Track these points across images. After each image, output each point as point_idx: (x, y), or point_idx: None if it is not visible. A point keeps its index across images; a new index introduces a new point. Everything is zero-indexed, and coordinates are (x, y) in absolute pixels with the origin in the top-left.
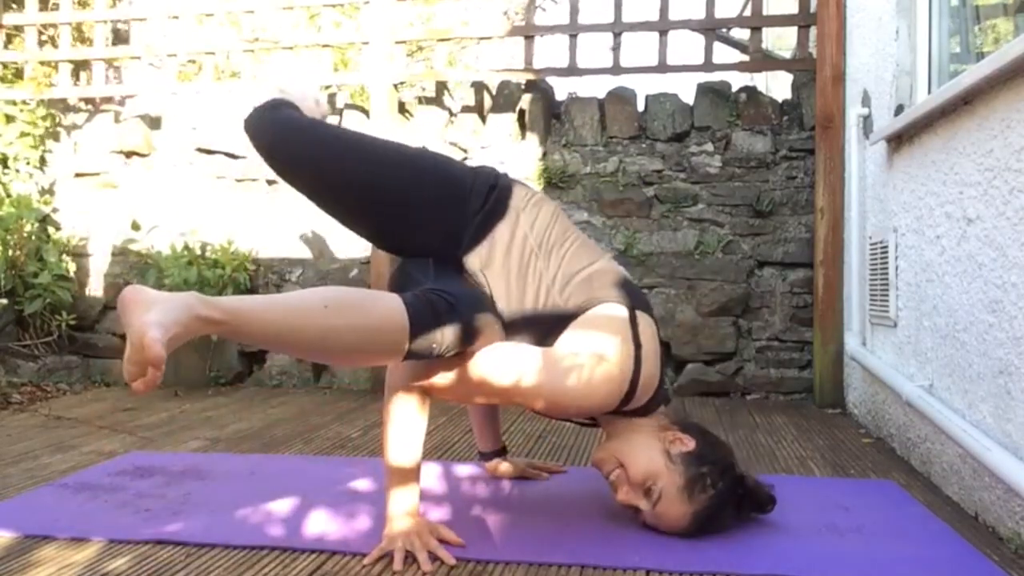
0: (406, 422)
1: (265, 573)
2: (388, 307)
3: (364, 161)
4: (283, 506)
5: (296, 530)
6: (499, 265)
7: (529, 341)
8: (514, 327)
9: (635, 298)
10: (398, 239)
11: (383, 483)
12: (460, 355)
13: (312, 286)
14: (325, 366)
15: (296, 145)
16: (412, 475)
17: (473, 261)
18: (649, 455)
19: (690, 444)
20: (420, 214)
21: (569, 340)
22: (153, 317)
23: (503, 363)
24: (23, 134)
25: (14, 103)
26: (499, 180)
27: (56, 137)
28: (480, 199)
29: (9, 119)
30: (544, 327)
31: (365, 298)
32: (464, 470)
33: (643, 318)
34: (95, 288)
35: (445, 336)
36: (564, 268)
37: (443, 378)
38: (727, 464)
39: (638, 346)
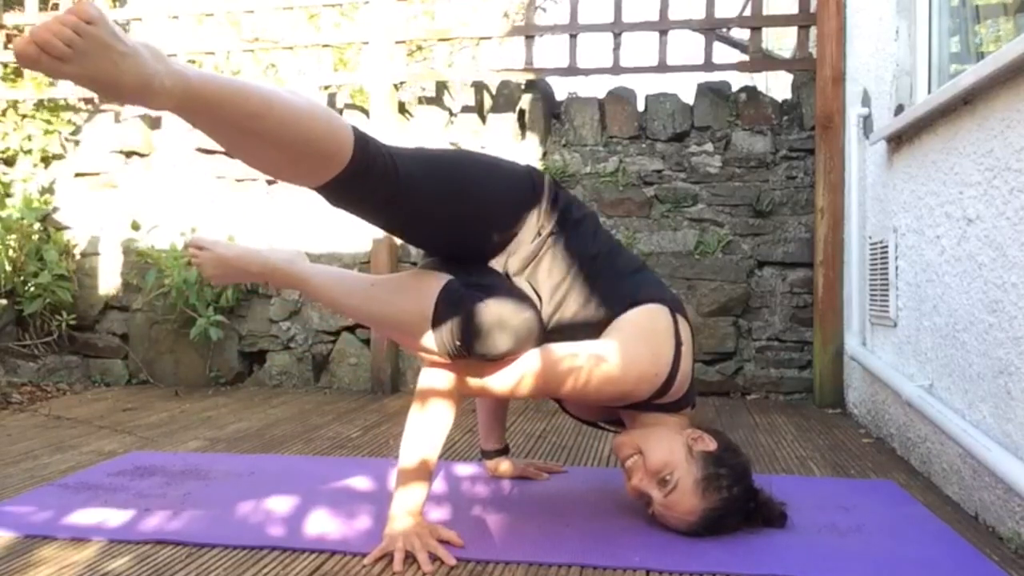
0: (430, 425)
1: (265, 573)
2: (426, 286)
3: (439, 179)
4: (283, 506)
5: (296, 530)
6: (545, 268)
7: (576, 339)
8: (562, 327)
9: (675, 302)
10: (445, 244)
11: (385, 482)
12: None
13: None
14: (325, 367)
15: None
16: (422, 477)
17: (517, 264)
18: (670, 446)
19: (712, 445)
20: (487, 215)
21: (613, 331)
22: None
23: (546, 365)
24: (47, 132)
25: (16, 102)
26: (557, 191)
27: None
28: (543, 211)
29: (26, 116)
30: (592, 327)
31: (412, 276)
32: (464, 470)
33: (682, 321)
34: (95, 288)
35: (453, 330)
36: (612, 271)
37: (484, 382)
38: (744, 472)
39: (679, 343)
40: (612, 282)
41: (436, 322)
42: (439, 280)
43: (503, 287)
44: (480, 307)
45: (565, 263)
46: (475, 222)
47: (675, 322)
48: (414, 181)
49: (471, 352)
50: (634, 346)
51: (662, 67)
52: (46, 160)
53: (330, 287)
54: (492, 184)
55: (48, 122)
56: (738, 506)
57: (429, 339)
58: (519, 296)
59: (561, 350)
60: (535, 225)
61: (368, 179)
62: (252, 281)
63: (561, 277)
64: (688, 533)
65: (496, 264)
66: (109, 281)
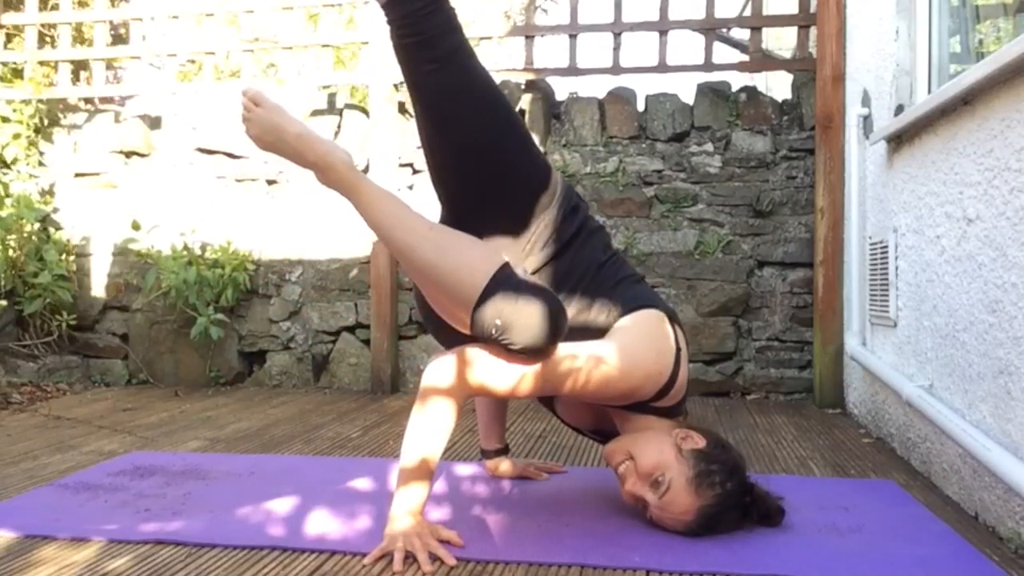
0: (432, 425)
1: (265, 573)
2: (483, 255)
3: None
4: (283, 506)
5: (296, 530)
6: (558, 268)
7: (579, 339)
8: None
9: (672, 312)
10: (471, 196)
11: (385, 482)
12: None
13: (312, 286)
14: (325, 367)
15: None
16: (423, 477)
17: (532, 262)
18: (659, 447)
19: (701, 442)
20: (517, 191)
21: (615, 332)
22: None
23: (546, 365)
24: (16, 136)
25: (9, 102)
26: (578, 200)
27: (49, 138)
28: (563, 213)
29: (5, 120)
30: (594, 330)
31: (470, 240)
32: (464, 470)
33: (678, 330)
34: (95, 288)
35: (499, 311)
36: (616, 282)
37: (484, 381)
38: (736, 467)
39: (678, 348)
40: (614, 289)
41: (484, 297)
42: (498, 256)
43: (546, 287)
44: (532, 299)
45: (577, 268)
46: (505, 152)
47: (673, 328)
48: (470, 63)
49: (503, 337)
50: (639, 345)
51: (662, 67)
52: (23, 161)
53: (387, 210)
54: (527, 139)
55: (41, 121)
56: (733, 501)
57: (467, 307)
58: (558, 299)
59: (562, 350)
60: (551, 224)
61: (436, 14)
62: (297, 164)
63: (571, 275)
64: (687, 533)
65: (512, 261)
66: (108, 281)
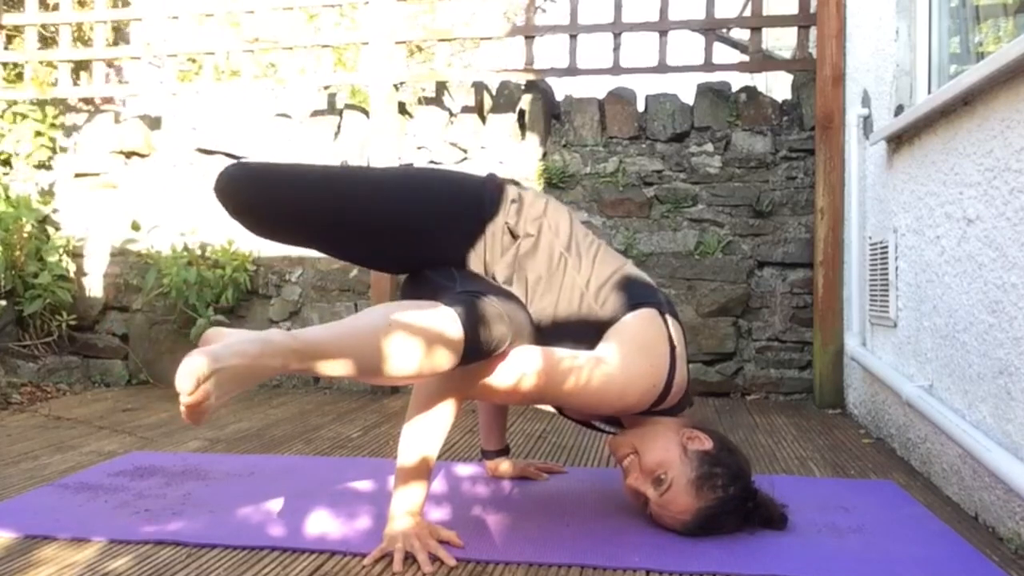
0: (429, 423)
1: (265, 573)
2: (442, 321)
3: (368, 189)
4: (283, 506)
5: (296, 530)
6: (528, 271)
7: (566, 346)
8: (549, 332)
9: (663, 302)
10: (410, 259)
11: (385, 482)
12: (498, 356)
13: (312, 286)
14: None
15: (292, 194)
16: (421, 476)
17: (501, 270)
18: (665, 445)
19: (707, 444)
20: (436, 231)
21: (610, 341)
22: (212, 347)
23: (547, 363)
24: (38, 133)
25: (15, 103)
26: (518, 191)
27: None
28: (497, 209)
29: (16, 117)
30: (581, 332)
31: (419, 317)
32: (464, 470)
33: (672, 321)
34: (95, 288)
35: (494, 337)
36: (596, 272)
37: (484, 380)
38: (740, 472)
39: (672, 348)
40: (600, 284)
41: (468, 330)
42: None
43: (492, 287)
44: (491, 303)
45: (547, 264)
46: (418, 207)
47: (666, 325)
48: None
49: (503, 347)
50: (633, 360)
51: (662, 67)
52: (43, 162)
53: (353, 349)
54: (428, 181)
55: (41, 121)
56: (734, 505)
57: (442, 355)
58: (508, 292)
59: (560, 353)
60: (500, 229)
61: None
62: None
63: (546, 278)
64: (684, 532)
65: (484, 273)
66: (108, 281)
